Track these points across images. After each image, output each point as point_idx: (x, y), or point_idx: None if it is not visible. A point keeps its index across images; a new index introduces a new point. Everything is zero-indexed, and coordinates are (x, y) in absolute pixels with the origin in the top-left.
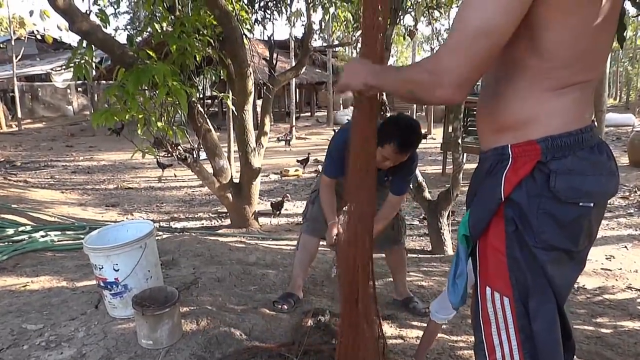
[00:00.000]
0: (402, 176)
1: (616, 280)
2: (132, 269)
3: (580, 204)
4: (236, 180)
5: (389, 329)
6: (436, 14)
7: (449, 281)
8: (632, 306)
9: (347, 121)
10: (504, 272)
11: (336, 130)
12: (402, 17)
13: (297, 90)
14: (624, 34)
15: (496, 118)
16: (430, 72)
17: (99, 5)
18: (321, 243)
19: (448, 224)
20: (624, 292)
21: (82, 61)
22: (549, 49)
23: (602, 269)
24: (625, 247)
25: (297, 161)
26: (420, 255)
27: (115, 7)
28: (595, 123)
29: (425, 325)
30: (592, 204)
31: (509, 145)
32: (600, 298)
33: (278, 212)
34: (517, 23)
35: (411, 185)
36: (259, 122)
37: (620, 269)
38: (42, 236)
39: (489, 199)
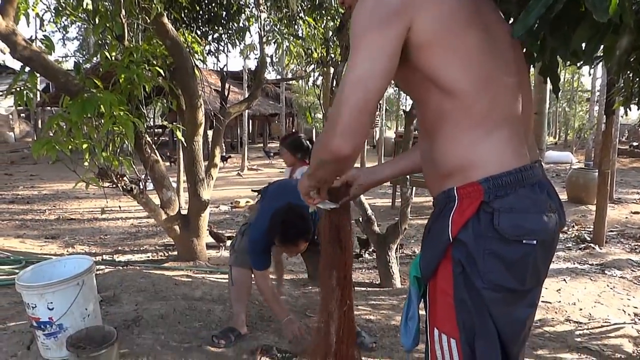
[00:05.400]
0: None
1: (556, 312)
2: (68, 308)
3: (524, 241)
4: (184, 212)
5: None
6: None
7: (402, 323)
8: (570, 338)
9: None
10: (452, 314)
11: (248, 225)
12: None
13: (250, 121)
14: (558, 85)
15: (438, 167)
16: (324, 132)
17: (44, 30)
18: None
19: (396, 257)
20: (563, 325)
21: (24, 88)
22: (453, 85)
23: (542, 301)
24: (564, 280)
25: (253, 190)
26: (368, 289)
27: (64, 32)
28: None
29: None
30: (534, 242)
31: (455, 188)
32: (541, 330)
33: (222, 245)
34: (389, 66)
35: (360, 219)
36: (209, 153)
37: (560, 301)
38: None
39: (437, 241)
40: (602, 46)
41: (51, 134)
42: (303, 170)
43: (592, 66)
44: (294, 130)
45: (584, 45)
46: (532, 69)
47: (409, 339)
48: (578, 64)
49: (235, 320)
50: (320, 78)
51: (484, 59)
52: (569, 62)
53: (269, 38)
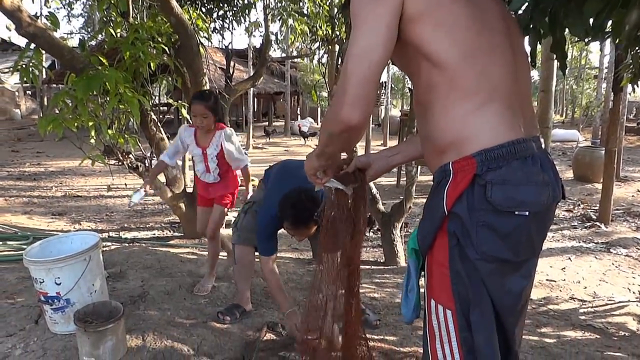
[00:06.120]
0: None
1: (560, 291)
2: (75, 283)
3: (516, 212)
4: (190, 190)
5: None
6: None
7: (402, 295)
8: (574, 316)
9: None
10: (447, 285)
11: (251, 204)
12: None
13: (255, 99)
14: (565, 62)
15: (434, 144)
16: (331, 106)
17: (49, 7)
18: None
19: (401, 236)
20: (567, 303)
21: (30, 65)
22: (440, 57)
23: (547, 280)
24: (569, 258)
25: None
26: (373, 267)
27: (69, 9)
28: (542, 138)
29: (376, 337)
30: (527, 213)
31: (450, 162)
32: (545, 308)
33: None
34: (389, 36)
35: None
36: None
37: (564, 280)
38: None
39: (434, 214)
40: (610, 21)
41: (57, 111)
42: (227, 132)
43: (601, 42)
44: (207, 89)
45: (592, 20)
46: (539, 47)
47: (409, 310)
48: (586, 40)
49: (240, 297)
50: (326, 56)
51: (471, 32)
52: (577, 38)
53: (274, 15)
